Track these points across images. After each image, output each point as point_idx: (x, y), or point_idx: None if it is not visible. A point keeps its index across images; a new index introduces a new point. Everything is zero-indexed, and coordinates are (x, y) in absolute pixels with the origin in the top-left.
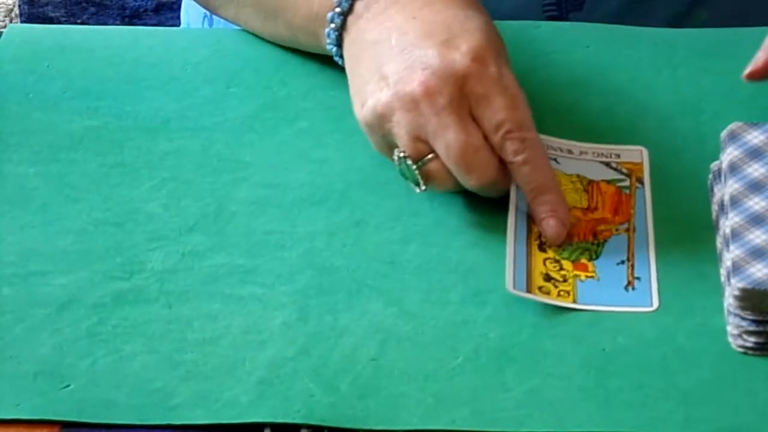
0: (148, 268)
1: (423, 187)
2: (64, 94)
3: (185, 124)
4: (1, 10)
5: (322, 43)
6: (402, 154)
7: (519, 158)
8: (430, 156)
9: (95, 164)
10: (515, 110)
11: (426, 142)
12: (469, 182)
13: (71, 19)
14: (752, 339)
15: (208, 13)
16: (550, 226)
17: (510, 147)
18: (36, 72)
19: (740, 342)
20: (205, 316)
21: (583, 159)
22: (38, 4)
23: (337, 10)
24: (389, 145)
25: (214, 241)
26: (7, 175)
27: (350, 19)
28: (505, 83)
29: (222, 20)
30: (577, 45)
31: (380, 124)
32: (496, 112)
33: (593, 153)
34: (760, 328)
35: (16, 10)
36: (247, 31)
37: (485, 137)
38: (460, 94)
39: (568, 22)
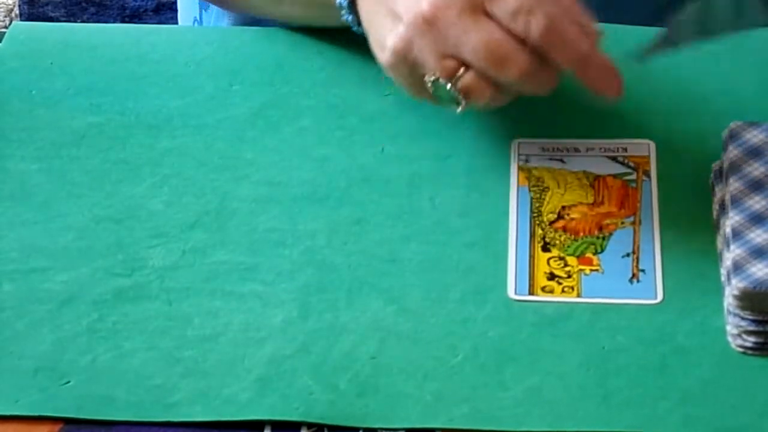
0: (148, 265)
1: (463, 105)
2: (67, 91)
3: (187, 122)
4: (1, 10)
5: (336, 14)
6: (433, 77)
7: (545, 35)
8: (461, 71)
9: (97, 161)
10: None
11: (453, 57)
12: (508, 77)
13: (71, 19)
14: (752, 339)
15: (198, 15)
16: (605, 93)
17: (534, 28)
18: (39, 69)
19: (740, 342)
20: (206, 313)
21: (589, 155)
22: (38, 4)
23: None
24: (419, 79)
25: (215, 238)
26: (10, 171)
27: None
28: None
29: (211, 20)
30: None
31: (404, 58)
32: (508, 1)
33: (600, 148)
34: (760, 328)
35: (16, 10)
36: (250, 25)
37: (509, 32)
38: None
39: None
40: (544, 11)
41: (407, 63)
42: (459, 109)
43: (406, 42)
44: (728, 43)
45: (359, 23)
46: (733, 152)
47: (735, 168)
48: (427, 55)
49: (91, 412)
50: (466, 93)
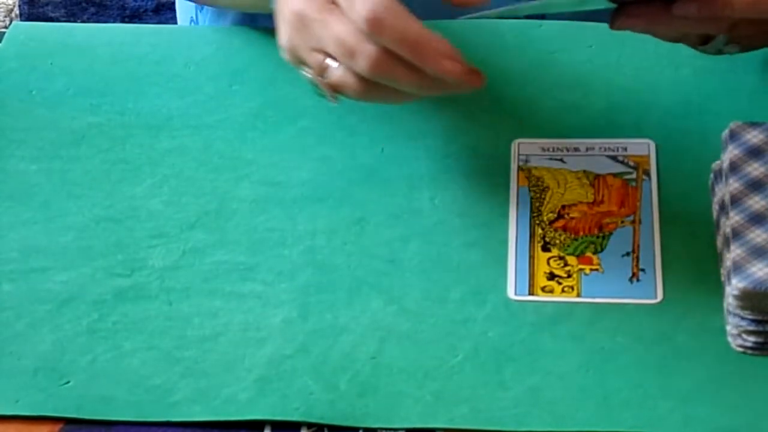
0: (148, 265)
1: (334, 99)
2: (67, 92)
3: (187, 122)
4: (1, 10)
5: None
6: (308, 72)
7: (372, 26)
8: (329, 64)
9: (97, 161)
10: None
11: (320, 51)
12: (362, 69)
13: (71, 19)
14: (751, 339)
15: (194, 15)
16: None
17: (357, 18)
18: (39, 69)
19: (740, 342)
20: (206, 313)
21: (589, 154)
22: (38, 4)
23: None
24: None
25: (214, 238)
26: (10, 171)
27: None
28: None
29: (206, 20)
30: (580, 44)
31: (294, 57)
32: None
33: (600, 147)
34: (760, 328)
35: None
36: (249, 25)
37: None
38: None
39: (569, 22)
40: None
41: (297, 61)
42: (333, 102)
43: (289, 40)
44: None
45: None
46: (733, 152)
47: (735, 168)
48: (302, 51)
49: (91, 412)
50: (335, 87)
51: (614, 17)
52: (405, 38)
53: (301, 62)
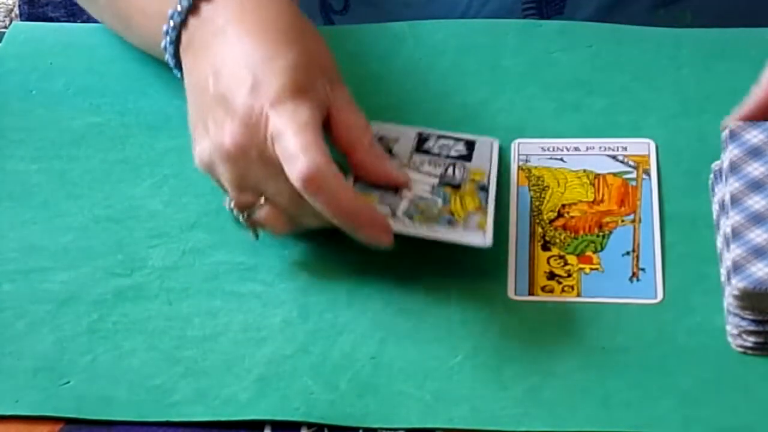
0: (148, 265)
1: (256, 236)
2: (67, 91)
3: (187, 122)
4: (1, 10)
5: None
6: (231, 206)
7: (304, 181)
8: (258, 204)
9: (97, 161)
10: (296, 161)
11: (251, 191)
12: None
13: (71, 19)
14: (752, 339)
15: None
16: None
17: (294, 174)
18: (39, 69)
19: (740, 342)
20: (205, 313)
21: (589, 154)
22: (38, 4)
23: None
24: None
25: (214, 238)
26: (9, 171)
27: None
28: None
29: None
30: (580, 44)
31: (209, 172)
32: (283, 146)
33: (600, 147)
34: (760, 328)
35: (16, 10)
36: None
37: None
38: (266, 142)
39: (569, 21)
40: (308, 158)
41: (212, 175)
42: (254, 239)
43: (209, 162)
44: (728, 44)
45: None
46: (733, 152)
47: (735, 168)
48: (225, 183)
49: (91, 412)
50: (260, 224)
51: None
52: (339, 206)
53: (219, 185)
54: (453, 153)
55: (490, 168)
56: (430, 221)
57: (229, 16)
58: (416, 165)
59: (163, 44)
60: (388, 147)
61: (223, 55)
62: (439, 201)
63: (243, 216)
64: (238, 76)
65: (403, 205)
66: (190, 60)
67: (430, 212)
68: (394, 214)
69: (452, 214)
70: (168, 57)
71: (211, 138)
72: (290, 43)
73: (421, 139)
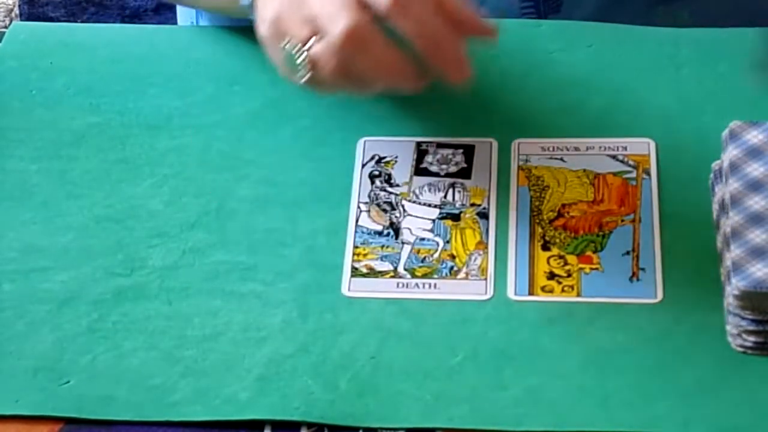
0: (148, 265)
1: (305, 75)
2: (67, 91)
3: (187, 122)
4: (1, 10)
5: None
6: (288, 43)
7: (390, 6)
8: (313, 39)
9: (97, 161)
10: None
11: (311, 25)
12: (363, 64)
13: (71, 19)
14: (752, 338)
15: (194, 18)
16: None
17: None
18: (39, 69)
19: (740, 341)
20: (205, 312)
21: (589, 154)
22: (38, 4)
23: None
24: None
25: (214, 238)
26: (9, 171)
27: None
28: None
29: (207, 20)
30: (579, 44)
31: (277, 30)
32: None
33: (600, 147)
34: (760, 328)
35: (16, 10)
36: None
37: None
38: None
39: (569, 21)
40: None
41: (279, 34)
42: (302, 79)
43: (278, 12)
44: (728, 43)
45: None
46: (733, 152)
47: (735, 168)
48: (290, 23)
49: (91, 411)
50: (313, 63)
51: None
52: (422, 33)
53: (283, 34)
54: (452, 169)
55: (490, 185)
56: (431, 273)
57: None
58: (417, 194)
59: None
60: (387, 172)
61: None
62: (441, 242)
63: (300, 51)
64: None
65: (404, 254)
66: None
67: (430, 261)
68: (395, 270)
69: (454, 257)
70: None
71: None
72: None
73: (420, 152)
